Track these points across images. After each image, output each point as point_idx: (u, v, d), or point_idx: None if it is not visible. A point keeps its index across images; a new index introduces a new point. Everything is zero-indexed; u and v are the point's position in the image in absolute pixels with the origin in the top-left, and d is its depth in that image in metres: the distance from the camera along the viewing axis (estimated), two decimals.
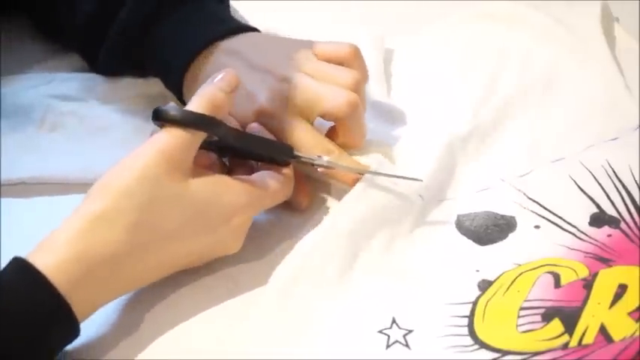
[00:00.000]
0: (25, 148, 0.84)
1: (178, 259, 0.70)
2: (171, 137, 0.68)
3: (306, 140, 0.76)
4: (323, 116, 0.78)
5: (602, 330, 0.67)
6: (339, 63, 0.79)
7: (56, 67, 0.92)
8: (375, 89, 0.88)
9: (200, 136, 0.70)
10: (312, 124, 0.78)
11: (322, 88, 0.77)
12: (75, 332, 0.65)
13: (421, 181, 0.77)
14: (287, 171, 0.75)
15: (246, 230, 0.73)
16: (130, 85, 0.89)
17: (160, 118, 0.69)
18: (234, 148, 0.74)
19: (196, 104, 0.70)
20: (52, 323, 0.64)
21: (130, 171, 0.67)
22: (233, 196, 0.71)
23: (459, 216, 0.77)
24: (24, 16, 0.95)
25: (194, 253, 0.70)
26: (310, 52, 0.80)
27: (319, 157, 0.76)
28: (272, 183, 0.73)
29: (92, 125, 0.86)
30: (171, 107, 0.70)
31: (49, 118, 0.86)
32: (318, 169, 0.77)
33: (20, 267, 0.64)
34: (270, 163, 0.75)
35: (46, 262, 0.64)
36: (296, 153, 0.76)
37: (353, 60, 0.79)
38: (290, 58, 0.79)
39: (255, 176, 0.73)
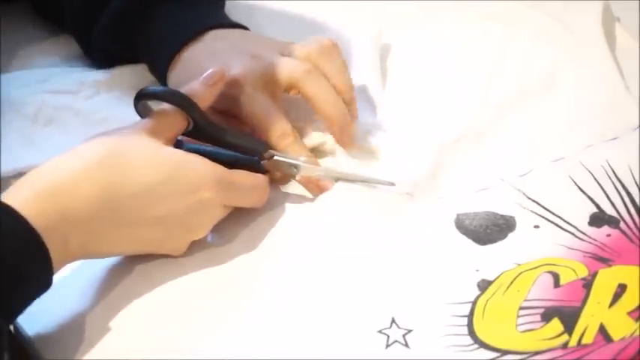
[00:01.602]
0: (20, 143, 0.84)
1: (147, 225, 0.70)
2: (153, 118, 0.73)
3: (265, 115, 0.78)
4: (286, 88, 0.80)
5: (602, 329, 0.67)
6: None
7: (56, 50, 0.94)
8: (369, 84, 0.88)
9: (179, 119, 0.74)
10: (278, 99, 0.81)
11: (283, 60, 0.80)
12: (48, 270, 0.65)
13: (394, 184, 0.77)
14: (264, 177, 0.76)
15: (214, 217, 0.74)
16: (123, 77, 0.89)
17: (140, 95, 0.74)
18: (208, 137, 0.76)
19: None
20: (23, 250, 0.64)
21: (113, 131, 0.72)
22: (205, 168, 0.72)
23: (458, 214, 0.77)
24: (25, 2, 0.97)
25: (162, 222, 0.71)
26: (292, 45, 0.83)
27: (296, 158, 0.78)
28: (248, 178, 0.75)
29: (87, 118, 0.86)
30: (154, 86, 0.76)
31: (43, 113, 0.86)
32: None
33: None
34: (242, 166, 0.76)
35: (15, 198, 0.65)
36: (273, 151, 0.77)
37: (331, 49, 0.82)
38: (273, 45, 0.83)
39: (233, 169, 0.75)
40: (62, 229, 0.66)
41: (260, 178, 0.76)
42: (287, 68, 0.80)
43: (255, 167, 0.77)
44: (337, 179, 0.78)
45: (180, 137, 0.75)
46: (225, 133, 0.77)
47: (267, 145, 0.78)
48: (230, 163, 0.75)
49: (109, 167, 0.69)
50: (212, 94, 0.77)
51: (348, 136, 0.80)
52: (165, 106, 0.74)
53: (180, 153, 0.72)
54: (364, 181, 0.78)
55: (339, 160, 0.81)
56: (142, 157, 0.70)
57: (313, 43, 0.82)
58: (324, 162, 0.81)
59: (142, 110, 0.75)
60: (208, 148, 0.76)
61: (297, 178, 0.78)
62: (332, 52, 0.82)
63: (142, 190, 0.70)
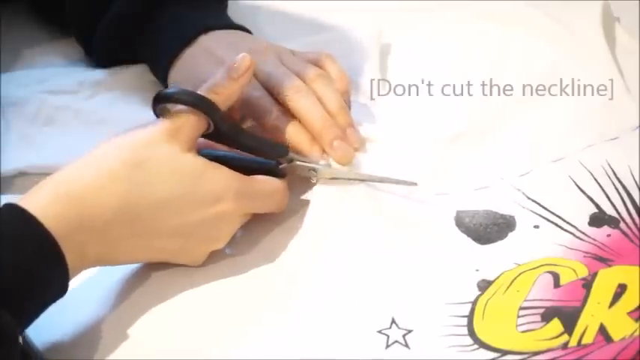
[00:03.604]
0: (20, 143, 0.84)
1: (165, 236, 0.70)
2: (175, 118, 0.71)
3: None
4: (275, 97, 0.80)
5: (602, 330, 0.67)
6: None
7: (56, 50, 0.94)
8: (369, 83, 0.88)
9: (200, 121, 0.71)
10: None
11: (279, 70, 0.79)
12: (64, 276, 0.65)
13: (416, 184, 0.77)
14: (283, 182, 0.75)
15: (233, 227, 0.73)
16: (123, 77, 0.89)
17: (159, 98, 0.71)
18: (228, 140, 0.74)
19: (201, 90, 0.72)
20: (39, 256, 0.64)
21: (134, 135, 0.70)
22: (226, 178, 0.71)
23: (458, 212, 0.77)
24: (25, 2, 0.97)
25: (181, 233, 0.70)
26: (292, 57, 0.83)
27: (315, 161, 0.77)
28: (267, 184, 0.74)
29: (87, 118, 0.86)
30: (172, 88, 0.72)
31: (43, 113, 0.86)
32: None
33: (6, 208, 0.65)
34: (260, 170, 0.75)
35: (34, 202, 0.65)
36: (291, 155, 0.76)
37: (328, 62, 0.82)
38: (272, 47, 0.83)
39: (252, 176, 0.74)
40: (79, 236, 0.65)
41: (279, 184, 0.75)
42: (280, 80, 0.79)
43: (273, 171, 0.75)
44: (356, 180, 0.77)
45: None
46: (246, 136, 0.75)
47: (288, 149, 0.76)
48: (247, 167, 0.74)
49: (130, 177, 0.68)
50: (239, 88, 0.74)
51: (342, 151, 0.78)
52: (185, 107, 0.71)
53: (200, 163, 0.71)
54: (384, 181, 0.77)
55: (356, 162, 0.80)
56: (162, 167, 0.69)
57: (311, 64, 0.82)
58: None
59: (160, 113, 0.72)
60: (223, 152, 0.75)
61: (314, 181, 0.77)
62: (329, 67, 0.82)
63: (162, 201, 0.69)
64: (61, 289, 0.66)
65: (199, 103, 0.71)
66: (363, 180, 0.77)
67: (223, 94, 0.73)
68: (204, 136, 0.73)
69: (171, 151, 0.70)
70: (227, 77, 0.73)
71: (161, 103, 0.72)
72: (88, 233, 0.66)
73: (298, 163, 0.76)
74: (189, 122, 0.71)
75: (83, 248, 0.66)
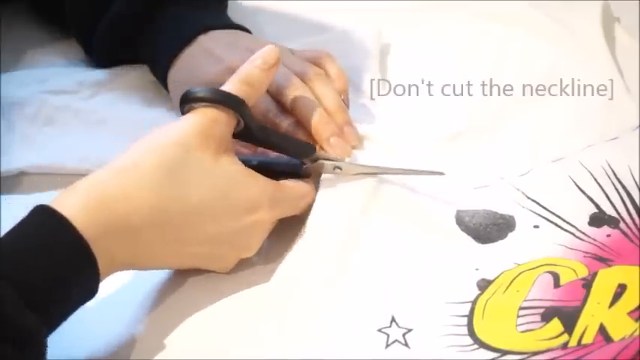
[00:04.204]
0: (20, 143, 0.84)
1: (197, 243, 0.69)
2: (205, 113, 0.70)
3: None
4: (272, 95, 0.79)
5: (602, 330, 0.67)
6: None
7: (57, 50, 0.94)
8: (369, 83, 0.88)
9: (231, 117, 0.70)
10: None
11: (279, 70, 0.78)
12: (94, 279, 0.64)
13: (443, 174, 0.77)
14: (309, 182, 0.75)
15: (265, 234, 0.73)
16: (123, 78, 0.89)
17: (187, 98, 0.70)
18: (256, 138, 0.74)
19: (231, 83, 0.72)
20: (70, 259, 0.63)
21: (166, 136, 0.68)
22: (261, 187, 0.71)
23: (458, 211, 0.77)
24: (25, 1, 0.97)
25: (213, 240, 0.70)
26: (290, 56, 0.83)
27: (340, 158, 0.77)
28: (297, 189, 0.74)
29: (86, 118, 0.86)
30: (199, 88, 0.70)
31: (43, 113, 0.86)
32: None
33: (39, 210, 0.64)
34: (284, 171, 0.75)
35: (66, 204, 0.64)
36: (318, 153, 0.76)
37: (327, 61, 0.82)
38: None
39: (282, 181, 0.73)
40: (109, 240, 0.65)
41: (308, 187, 0.75)
42: (279, 79, 0.79)
43: (298, 171, 0.75)
44: (381, 174, 0.77)
45: None
46: (275, 135, 0.75)
47: (314, 148, 0.76)
48: (271, 169, 0.73)
49: (162, 182, 0.67)
50: (269, 79, 0.73)
51: (339, 148, 0.78)
52: (213, 106, 0.70)
53: (235, 169, 0.70)
54: (409, 173, 0.77)
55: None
56: (196, 171, 0.68)
57: (310, 63, 0.82)
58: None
59: (188, 112, 0.71)
60: (246, 156, 0.74)
61: (322, 177, 0.76)
62: (327, 66, 0.82)
63: (195, 207, 0.68)
64: (90, 293, 0.65)
65: (228, 101, 0.70)
66: (389, 173, 0.77)
67: (254, 87, 0.72)
68: (234, 135, 0.72)
69: (204, 155, 0.68)
70: (258, 69, 0.72)
71: (188, 104, 0.70)
72: (118, 237, 0.65)
73: (323, 161, 0.76)
74: (220, 120, 0.70)
75: (113, 252, 0.65)
